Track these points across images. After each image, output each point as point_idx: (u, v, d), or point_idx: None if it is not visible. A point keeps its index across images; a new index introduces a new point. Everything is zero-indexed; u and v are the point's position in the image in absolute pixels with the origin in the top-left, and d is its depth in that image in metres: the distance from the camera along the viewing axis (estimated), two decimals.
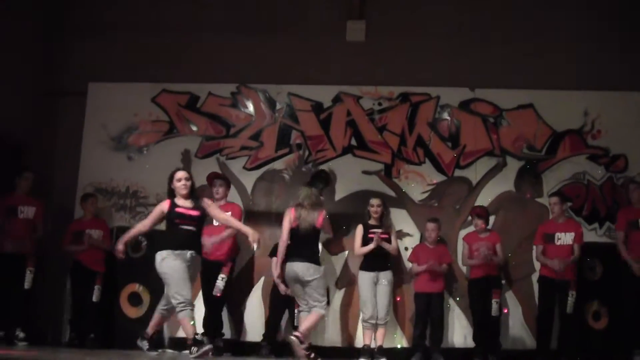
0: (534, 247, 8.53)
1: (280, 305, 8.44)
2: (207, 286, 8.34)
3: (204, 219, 7.12)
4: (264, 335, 8.45)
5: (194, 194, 7.14)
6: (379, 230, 8.36)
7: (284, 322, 8.62)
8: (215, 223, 8.25)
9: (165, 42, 9.61)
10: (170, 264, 6.76)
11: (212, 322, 8.36)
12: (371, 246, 8.30)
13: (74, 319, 8.68)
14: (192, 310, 6.75)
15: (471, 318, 8.61)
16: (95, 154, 9.44)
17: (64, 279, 8.91)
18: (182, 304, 6.63)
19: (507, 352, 8.38)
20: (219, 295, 8.30)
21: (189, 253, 6.84)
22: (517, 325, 8.71)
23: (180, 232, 6.89)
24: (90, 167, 9.40)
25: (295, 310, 8.11)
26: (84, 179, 9.34)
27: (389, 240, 8.46)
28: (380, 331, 8.30)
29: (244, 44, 9.55)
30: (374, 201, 8.61)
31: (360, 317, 8.45)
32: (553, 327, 8.28)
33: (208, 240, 8.04)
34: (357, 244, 8.50)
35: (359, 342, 8.52)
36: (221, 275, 8.30)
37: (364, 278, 8.38)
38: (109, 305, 8.79)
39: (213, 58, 9.56)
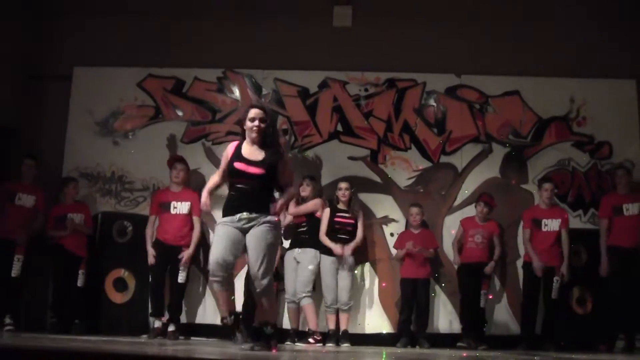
0: (523, 231, 8.57)
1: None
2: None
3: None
4: (241, 320, 8.46)
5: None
6: (346, 221, 8.50)
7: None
8: (173, 211, 8.44)
9: (151, 27, 9.56)
10: None
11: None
12: (334, 248, 8.39)
13: (56, 304, 8.63)
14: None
15: (457, 304, 8.65)
16: (80, 138, 9.37)
17: (47, 264, 8.87)
18: None
19: (491, 337, 8.44)
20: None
21: None
22: (501, 311, 8.77)
23: None
24: (76, 152, 9.34)
25: None
26: (69, 164, 9.28)
27: (355, 226, 8.53)
28: (344, 316, 8.37)
29: (230, 28, 9.52)
30: (342, 184, 8.67)
31: (323, 303, 8.50)
32: (537, 313, 8.35)
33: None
34: (322, 228, 8.51)
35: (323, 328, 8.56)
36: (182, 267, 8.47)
37: (326, 263, 8.42)
38: (93, 291, 8.74)
39: (199, 43, 9.51)
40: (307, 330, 8.34)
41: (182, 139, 9.34)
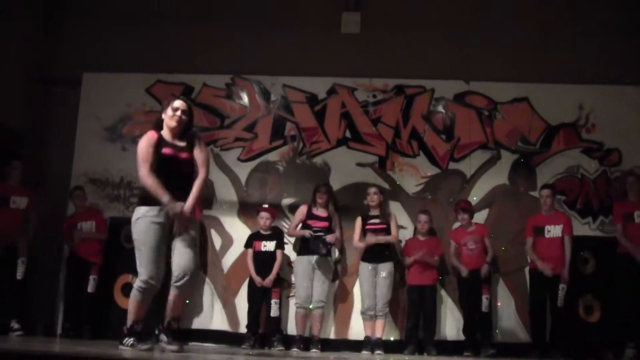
0: (526, 239, 8.51)
1: (258, 297, 8.49)
2: None
3: None
4: (247, 326, 8.47)
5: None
6: (377, 227, 8.48)
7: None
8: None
9: (160, 33, 9.59)
10: None
11: None
12: (363, 245, 8.42)
13: (69, 309, 8.66)
14: None
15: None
16: (89, 144, 9.41)
17: (57, 269, 8.91)
18: None
19: (501, 346, 8.39)
20: None
21: None
22: (510, 319, 8.72)
23: None
24: (84, 158, 9.37)
25: (272, 302, 8.33)
26: (78, 169, 9.32)
27: (388, 230, 8.50)
28: (379, 322, 8.37)
29: (239, 35, 9.55)
30: (371, 189, 8.65)
31: (360, 309, 8.50)
32: (546, 320, 8.31)
33: None
34: (355, 237, 8.55)
35: (353, 335, 8.60)
36: None
37: (364, 269, 8.42)
38: (103, 296, 8.75)
39: (208, 49, 9.53)
40: (311, 336, 8.36)
41: None
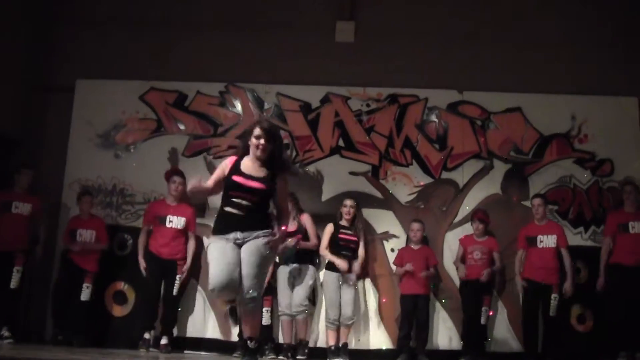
0: (518, 250, 8.56)
1: None
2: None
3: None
4: (238, 335, 8.45)
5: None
6: (349, 238, 8.49)
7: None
8: (168, 225, 8.47)
9: (154, 41, 9.60)
10: None
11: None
12: (340, 264, 8.35)
13: (59, 316, 8.61)
14: None
15: (457, 320, 8.64)
16: (82, 151, 9.38)
17: (49, 276, 8.87)
18: None
19: (493, 355, 8.42)
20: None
21: None
22: (502, 328, 8.72)
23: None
24: (77, 164, 9.34)
25: (264, 310, 8.25)
26: (71, 176, 9.29)
27: (357, 244, 8.52)
28: (345, 330, 8.36)
29: (233, 43, 9.56)
30: (348, 202, 8.64)
31: (325, 318, 8.49)
32: (539, 330, 8.32)
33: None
34: (324, 243, 8.52)
35: (322, 342, 8.61)
36: (178, 275, 8.47)
37: (329, 279, 8.42)
38: (94, 304, 8.70)
39: (202, 57, 9.54)
40: (298, 341, 8.33)
41: (183, 153, 9.34)
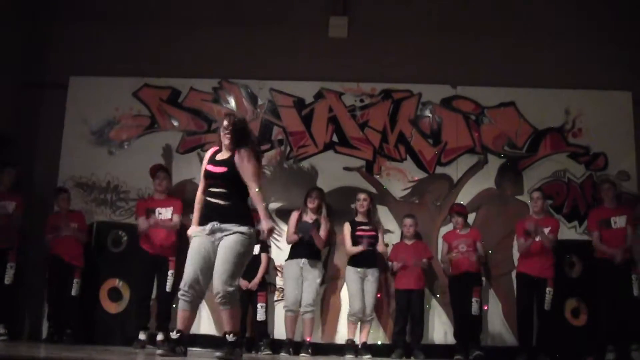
0: (517, 240, 8.55)
1: (243, 301, 8.44)
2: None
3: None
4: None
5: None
6: (367, 234, 8.47)
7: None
8: (158, 217, 8.49)
9: (147, 37, 9.58)
10: None
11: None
12: (360, 248, 8.40)
13: (52, 313, 8.60)
14: None
15: (452, 315, 8.64)
16: (75, 147, 9.36)
17: (42, 273, 8.86)
18: None
19: (488, 349, 8.39)
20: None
21: None
22: (497, 322, 8.74)
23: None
24: (71, 161, 9.33)
25: (258, 305, 8.29)
26: (65, 173, 9.27)
27: (376, 238, 8.53)
28: (365, 327, 8.39)
29: (227, 39, 9.54)
30: (361, 195, 8.67)
31: (347, 312, 8.52)
32: (534, 324, 8.34)
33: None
34: (347, 244, 8.56)
35: (340, 339, 8.62)
36: (170, 271, 8.43)
37: (352, 273, 8.44)
38: (88, 300, 8.71)
39: (195, 53, 9.53)
40: (302, 340, 8.35)
41: (177, 149, 9.34)
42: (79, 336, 8.44)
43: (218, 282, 5.53)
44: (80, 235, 8.69)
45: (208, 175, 5.83)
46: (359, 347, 8.33)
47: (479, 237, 8.60)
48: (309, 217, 8.52)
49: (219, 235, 5.66)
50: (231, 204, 5.70)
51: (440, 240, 8.90)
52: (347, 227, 8.60)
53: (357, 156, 9.27)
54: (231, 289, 5.56)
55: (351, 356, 8.20)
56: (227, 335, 5.70)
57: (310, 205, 8.56)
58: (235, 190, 5.74)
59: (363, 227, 8.53)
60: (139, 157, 9.26)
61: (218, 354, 5.72)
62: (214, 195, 5.75)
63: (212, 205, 5.74)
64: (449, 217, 8.83)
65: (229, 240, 5.60)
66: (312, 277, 8.37)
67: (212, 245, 5.66)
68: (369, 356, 8.20)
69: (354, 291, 8.40)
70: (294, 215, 8.61)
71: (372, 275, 8.41)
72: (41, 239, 8.71)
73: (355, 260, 8.48)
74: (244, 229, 5.63)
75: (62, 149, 9.38)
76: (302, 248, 8.42)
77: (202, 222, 5.76)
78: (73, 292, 8.49)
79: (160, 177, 8.68)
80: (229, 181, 5.72)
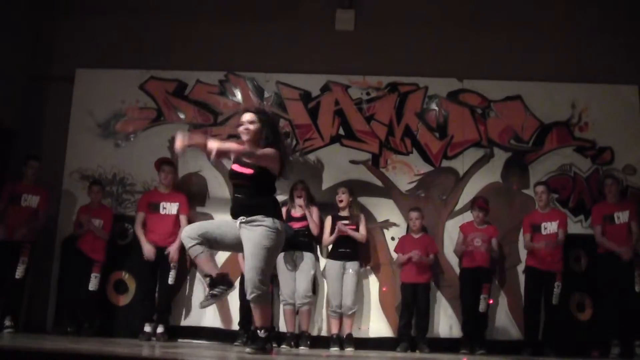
0: (524, 236, 8.57)
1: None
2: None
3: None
4: (239, 323, 8.47)
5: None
6: (346, 222, 8.51)
7: None
8: (162, 212, 8.53)
9: (153, 29, 9.57)
10: None
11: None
12: (333, 237, 8.48)
13: (68, 307, 8.60)
14: None
15: (457, 308, 8.64)
16: (82, 140, 9.37)
17: (50, 266, 8.88)
18: None
19: (493, 343, 8.41)
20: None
21: None
22: (502, 316, 8.74)
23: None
24: (77, 154, 9.33)
25: None
26: (71, 166, 9.28)
27: (357, 231, 8.56)
28: (348, 320, 8.40)
29: (233, 31, 9.52)
30: (340, 189, 8.74)
31: (327, 307, 8.58)
32: (540, 318, 8.34)
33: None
34: (325, 234, 8.61)
35: (324, 332, 8.69)
36: (172, 264, 8.46)
37: (331, 267, 8.48)
38: (98, 293, 8.68)
39: (202, 45, 9.53)
40: (301, 332, 8.38)
41: None
42: (95, 330, 8.46)
43: (249, 279, 5.56)
44: (102, 234, 8.67)
45: (234, 175, 5.83)
46: (344, 339, 8.35)
47: (495, 234, 8.58)
48: (297, 212, 8.55)
49: (246, 226, 5.65)
50: (257, 199, 5.71)
51: (446, 234, 8.92)
52: (327, 220, 8.65)
53: (363, 149, 9.26)
54: (264, 287, 5.59)
55: (335, 349, 8.22)
56: (258, 331, 5.74)
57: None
58: (262, 187, 5.76)
59: (344, 222, 8.55)
60: (145, 149, 9.26)
61: (248, 349, 5.77)
62: (240, 192, 5.77)
63: (238, 201, 5.78)
64: (471, 210, 8.78)
65: (255, 234, 5.59)
66: (307, 268, 8.37)
67: (235, 228, 5.66)
68: (351, 349, 8.21)
69: (332, 285, 8.45)
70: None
71: (352, 268, 8.44)
72: (48, 231, 8.73)
73: (334, 253, 8.52)
74: (269, 222, 5.61)
75: (68, 142, 9.37)
76: (294, 241, 8.37)
77: (233, 216, 5.76)
78: (91, 287, 8.49)
79: (166, 171, 8.69)
80: (255, 181, 5.72)
